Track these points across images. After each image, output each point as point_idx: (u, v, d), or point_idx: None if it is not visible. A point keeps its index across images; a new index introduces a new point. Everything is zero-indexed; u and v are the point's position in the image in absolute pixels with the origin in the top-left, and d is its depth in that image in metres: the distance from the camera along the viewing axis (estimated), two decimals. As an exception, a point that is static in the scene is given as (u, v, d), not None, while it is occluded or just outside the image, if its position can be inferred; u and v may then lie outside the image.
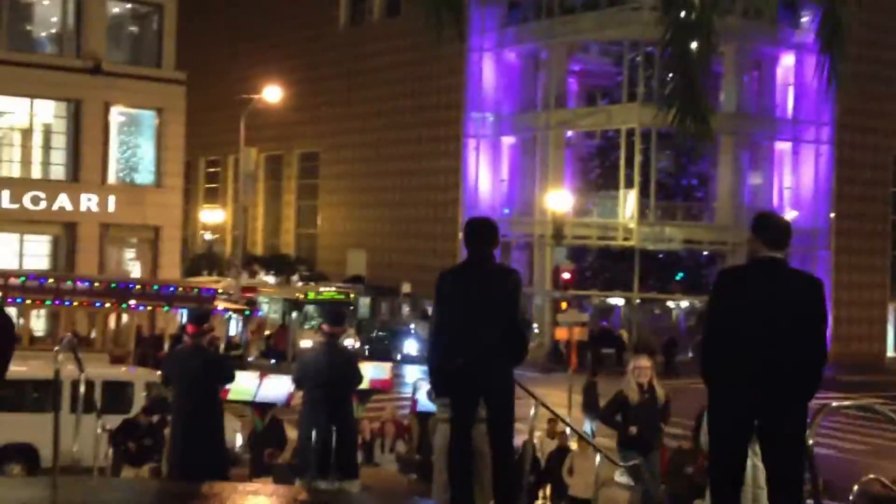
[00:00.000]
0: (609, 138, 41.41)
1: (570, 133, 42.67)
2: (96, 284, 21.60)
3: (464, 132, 44.33)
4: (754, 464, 5.74)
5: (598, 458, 9.89)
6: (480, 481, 6.59)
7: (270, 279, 46.48)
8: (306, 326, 34.23)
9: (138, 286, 22.46)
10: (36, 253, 27.85)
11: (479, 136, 44.05)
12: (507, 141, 44.44)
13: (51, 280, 21.23)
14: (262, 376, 10.27)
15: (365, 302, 42.09)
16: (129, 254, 29.85)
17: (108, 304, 21.31)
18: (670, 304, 42.35)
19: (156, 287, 22.73)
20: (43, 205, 27.23)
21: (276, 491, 7.53)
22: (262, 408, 11.33)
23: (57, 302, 20.81)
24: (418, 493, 10.11)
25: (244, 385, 10.01)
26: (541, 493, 12.87)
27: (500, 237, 6.16)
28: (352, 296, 37.33)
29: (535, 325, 40.57)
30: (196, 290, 23.66)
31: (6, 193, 26.87)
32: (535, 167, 42.12)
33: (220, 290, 25.94)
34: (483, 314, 5.79)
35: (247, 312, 25.16)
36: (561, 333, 28.95)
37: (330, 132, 51.43)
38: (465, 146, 44.30)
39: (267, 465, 11.19)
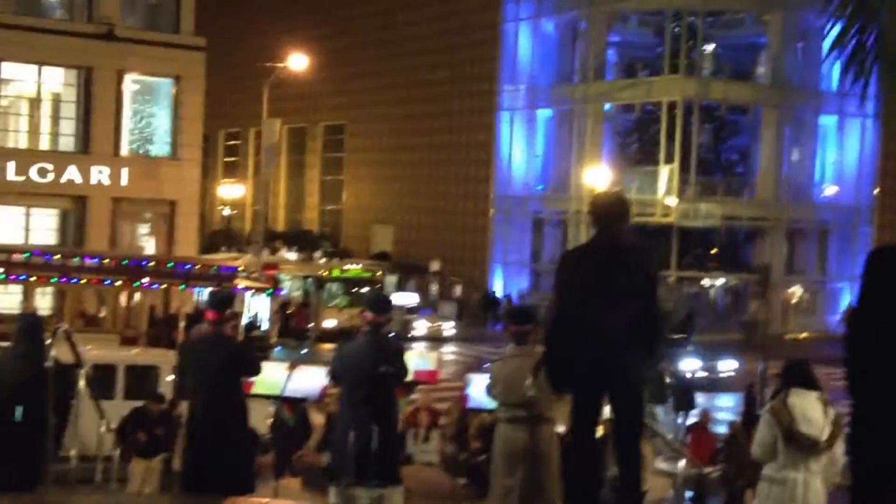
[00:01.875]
0: (648, 112, 40.40)
1: (607, 106, 41.29)
2: (106, 261, 20.15)
3: (497, 105, 43.22)
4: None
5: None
6: (541, 485, 6.16)
7: (292, 256, 45.27)
8: (330, 305, 33.06)
9: (152, 263, 21.07)
10: (42, 227, 26.68)
11: (514, 109, 42.94)
12: (543, 114, 43.30)
13: (57, 256, 19.81)
14: (291, 367, 8.83)
15: (391, 280, 40.86)
16: (143, 229, 28.59)
17: (118, 283, 19.96)
18: (706, 281, 41.15)
19: (171, 264, 21.36)
20: (51, 177, 26.07)
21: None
22: (291, 402, 10.18)
23: (63, 279, 19.42)
24: (470, 500, 9.19)
25: (271, 377, 8.69)
26: None
27: (630, 215, 5.53)
28: (378, 273, 36.04)
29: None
30: (215, 268, 22.23)
31: (11, 165, 25.68)
32: (572, 142, 40.99)
33: (240, 268, 24.54)
34: (613, 301, 5.18)
35: (269, 291, 23.73)
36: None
37: (357, 104, 50.05)
38: (499, 119, 43.11)
39: (295, 466, 10.00)
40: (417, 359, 9.26)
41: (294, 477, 9.50)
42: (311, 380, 9.05)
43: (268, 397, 9.41)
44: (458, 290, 42.54)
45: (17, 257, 19.05)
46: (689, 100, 37.95)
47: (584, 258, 5.57)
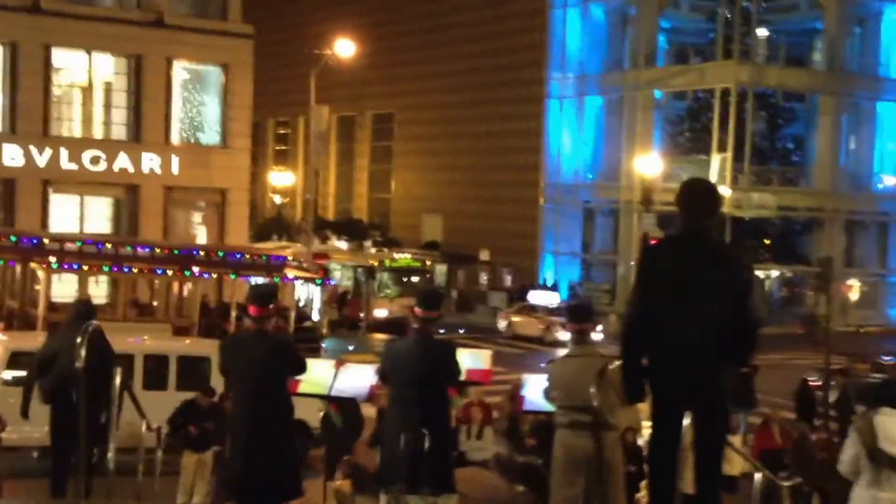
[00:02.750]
0: (700, 99, 39.66)
1: (658, 94, 40.61)
2: (157, 250, 20.26)
3: (546, 92, 42.65)
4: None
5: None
6: (605, 496, 5.99)
7: (342, 245, 45.26)
8: (380, 295, 32.94)
9: (202, 253, 21.12)
10: (97, 215, 26.83)
11: (563, 97, 42.30)
12: (592, 102, 42.64)
13: (109, 245, 19.87)
14: (338, 365, 8.44)
15: (441, 269, 40.64)
16: (196, 218, 28.62)
17: (170, 272, 19.96)
18: (760, 273, 40.38)
19: (221, 254, 21.32)
20: (103, 165, 26.21)
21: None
22: (339, 402, 9.61)
23: (115, 268, 19.44)
24: None
25: (318, 376, 8.24)
26: (642, 486, 10.97)
27: (721, 207, 5.19)
28: (428, 263, 35.81)
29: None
30: (264, 257, 22.18)
31: (65, 153, 25.87)
32: (622, 129, 40.36)
33: (290, 258, 24.41)
34: (701, 302, 4.70)
35: (318, 281, 23.55)
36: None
37: (405, 92, 49.80)
38: (548, 107, 42.52)
39: (345, 469, 9.59)
40: (469, 357, 8.44)
41: (345, 479, 9.12)
42: (359, 378, 8.60)
43: (314, 396, 8.95)
44: (508, 280, 42.21)
45: (70, 246, 19.16)
46: (742, 86, 37.13)
47: (669, 254, 5.02)
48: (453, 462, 7.64)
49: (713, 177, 37.85)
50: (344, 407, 10.11)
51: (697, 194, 5.00)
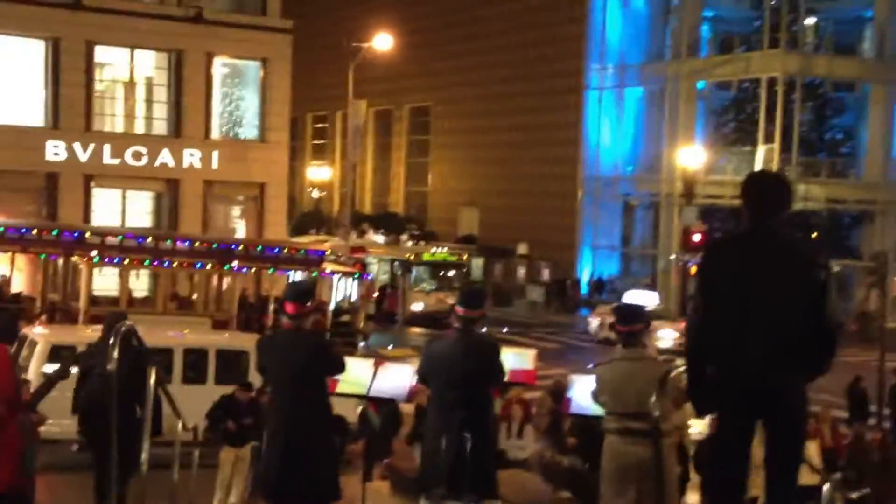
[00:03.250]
0: (744, 89, 38.88)
1: (700, 84, 39.96)
2: (197, 244, 20.31)
3: (585, 84, 42.11)
4: None
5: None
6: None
7: (379, 239, 45.18)
8: (417, 289, 32.80)
9: (241, 247, 21.11)
10: (138, 210, 26.96)
11: (602, 88, 41.81)
12: (632, 93, 42.05)
13: (149, 239, 19.97)
14: (377, 364, 8.09)
15: (478, 263, 40.42)
16: (235, 211, 28.71)
17: (209, 266, 20.02)
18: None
19: (259, 248, 21.36)
20: (144, 160, 26.32)
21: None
22: (378, 402, 9.40)
23: (156, 262, 19.66)
24: None
25: (356, 375, 7.88)
26: (688, 487, 10.52)
27: (793, 201, 4.59)
28: (465, 257, 35.61)
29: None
30: (303, 251, 22.21)
31: (107, 148, 25.98)
32: (663, 121, 39.76)
33: (328, 252, 24.37)
34: (771, 307, 4.27)
35: (356, 275, 23.45)
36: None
37: (442, 85, 49.58)
38: (587, 99, 42.06)
39: (384, 472, 9.44)
40: (514, 356, 7.97)
41: (383, 480, 8.90)
42: (398, 378, 8.17)
43: (353, 397, 8.62)
44: (545, 274, 41.87)
45: (111, 240, 19.29)
46: (790, 76, 36.39)
47: (735, 254, 4.50)
48: (496, 466, 7.30)
49: (758, 168, 37.29)
50: (382, 407, 9.92)
51: (766, 186, 4.59)
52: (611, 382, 6.59)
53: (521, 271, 42.61)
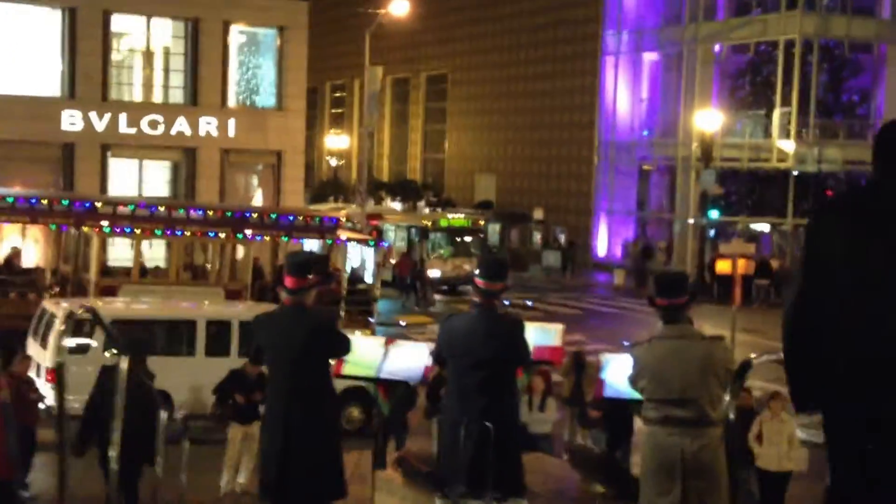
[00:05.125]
0: (761, 52, 38.48)
1: (717, 48, 39.61)
2: (210, 213, 19.94)
3: (601, 49, 41.85)
4: None
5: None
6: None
7: (397, 206, 45.32)
8: (434, 255, 32.96)
9: (255, 215, 20.72)
10: (156, 179, 27.12)
11: (618, 53, 41.54)
12: (649, 58, 41.75)
13: (162, 208, 19.67)
14: (388, 343, 7.41)
15: (494, 228, 40.52)
16: (253, 180, 28.87)
17: (222, 235, 19.66)
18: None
19: (273, 216, 21.08)
20: (161, 129, 26.41)
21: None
22: (388, 386, 7.99)
23: (168, 232, 19.22)
24: None
25: (365, 356, 7.22)
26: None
27: None
28: (481, 223, 35.70)
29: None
30: (317, 219, 21.87)
31: (123, 118, 26.08)
32: (679, 85, 39.48)
33: (343, 219, 24.38)
34: None
35: (371, 243, 23.46)
36: (723, 266, 26.76)
37: (458, 52, 49.41)
38: (603, 64, 41.83)
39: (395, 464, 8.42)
40: (539, 332, 7.23)
41: (395, 470, 7.81)
42: (411, 358, 7.44)
43: (361, 379, 7.91)
44: (562, 239, 41.95)
45: (123, 210, 18.96)
46: (807, 38, 36.04)
47: (857, 218, 3.41)
48: (521, 460, 6.39)
49: (775, 131, 37.08)
50: (393, 391, 8.38)
51: None
52: (651, 366, 5.72)
53: (538, 236, 42.69)
